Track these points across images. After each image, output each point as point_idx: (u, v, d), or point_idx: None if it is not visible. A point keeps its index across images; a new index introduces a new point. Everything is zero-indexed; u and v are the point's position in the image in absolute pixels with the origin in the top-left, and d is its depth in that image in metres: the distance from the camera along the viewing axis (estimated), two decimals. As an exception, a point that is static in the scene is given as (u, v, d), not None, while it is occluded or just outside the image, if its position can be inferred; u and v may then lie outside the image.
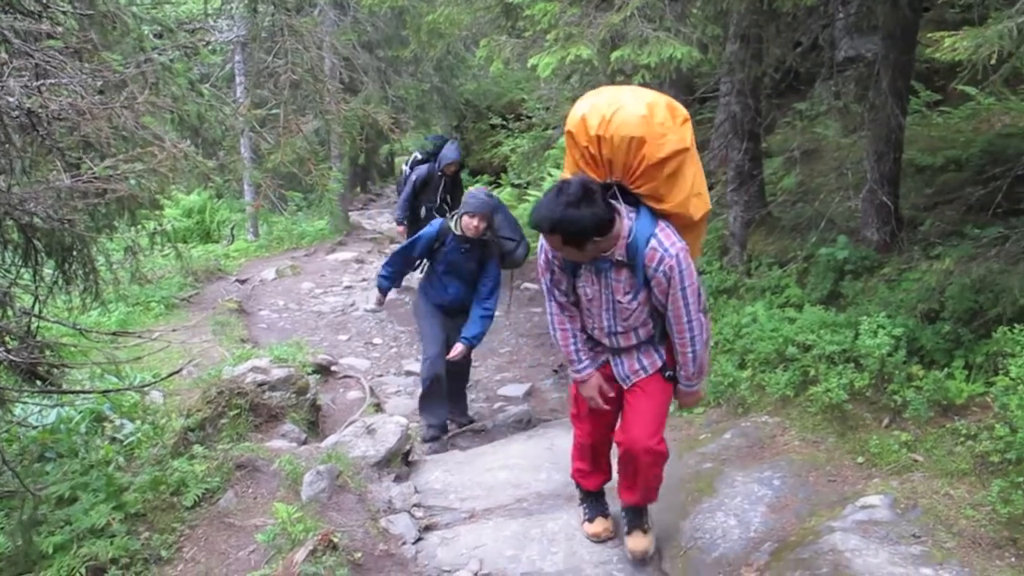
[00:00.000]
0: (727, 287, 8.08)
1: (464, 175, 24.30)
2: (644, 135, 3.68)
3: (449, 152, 10.58)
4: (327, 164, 14.37)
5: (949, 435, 5.03)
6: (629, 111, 3.71)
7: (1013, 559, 3.92)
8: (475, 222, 6.63)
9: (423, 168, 10.72)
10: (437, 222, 6.95)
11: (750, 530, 4.64)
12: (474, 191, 6.98)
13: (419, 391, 7.14)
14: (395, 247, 8.32)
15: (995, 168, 6.91)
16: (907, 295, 6.15)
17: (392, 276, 7.06)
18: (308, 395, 6.90)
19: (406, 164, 11.10)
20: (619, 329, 4.15)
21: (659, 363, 4.26)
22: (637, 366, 4.28)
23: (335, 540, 4.45)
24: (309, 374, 7.33)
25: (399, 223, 11.12)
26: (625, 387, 4.34)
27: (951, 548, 4.02)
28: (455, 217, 6.78)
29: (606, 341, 4.26)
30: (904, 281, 6.47)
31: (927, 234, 7.22)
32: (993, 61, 4.25)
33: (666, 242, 3.80)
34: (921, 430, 5.20)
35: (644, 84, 6.87)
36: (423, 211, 10.78)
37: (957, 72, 5.09)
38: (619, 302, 4.01)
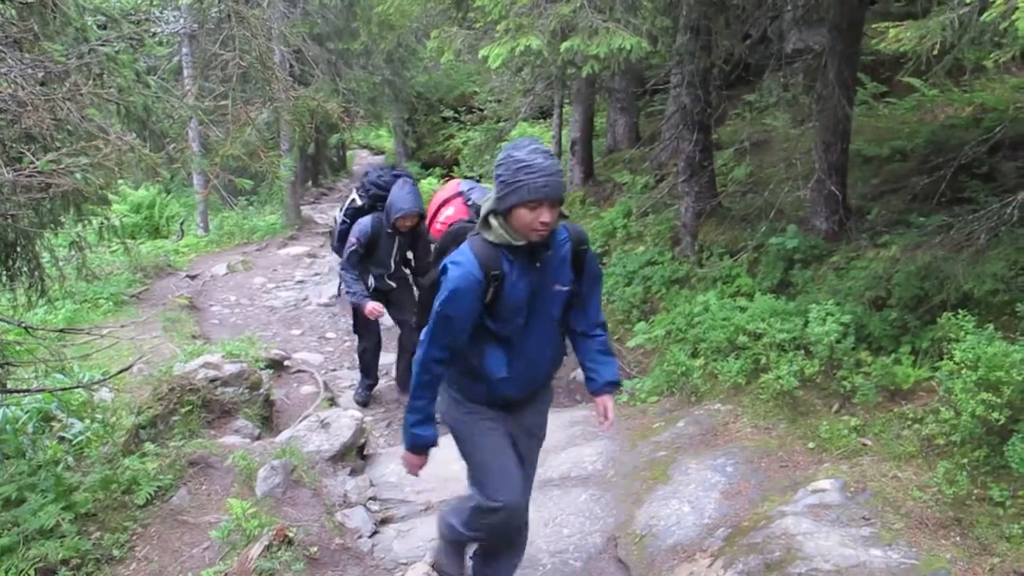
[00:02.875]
0: (679, 277, 8.15)
1: (416, 169, 24.36)
2: None
3: (402, 199, 6.93)
4: (276, 152, 14.23)
5: (897, 419, 5.12)
6: None
7: (958, 538, 4.01)
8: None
9: (366, 222, 7.14)
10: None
11: (704, 516, 4.69)
12: None
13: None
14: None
15: (939, 158, 7.05)
16: (855, 283, 6.26)
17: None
18: (261, 390, 6.84)
19: (340, 211, 7.57)
20: None
21: None
22: None
23: (290, 535, 4.44)
24: (262, 369, 7.26)
25: (360, 303, 7.17)
26: None
27: (899, 529, 4.09)
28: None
29: None
30: (852, 269, 6.58)
31: (874, 223, 7.35)
32: (935, 52, 4.33)
33: None
34: (870, 415, 5.29)
35: (593, 74, 6.91)
36: (371, 281, 7.40)
37: (902, 64, 5.19)
38: None
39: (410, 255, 7.59)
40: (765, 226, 7.60)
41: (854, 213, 7.63)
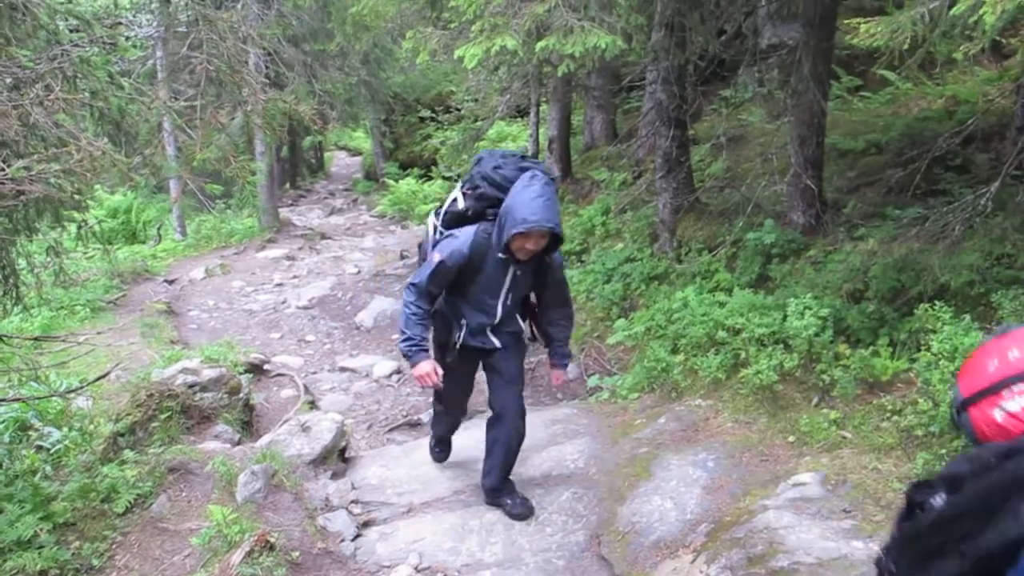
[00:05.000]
0: (658, 273, 8.17)
1: (394, 169, 24.30)
2: None
3: (525, 205, 4.25)
4: (247, 156, 14.15)
5: (876, 411, 5.16)
6: None
7: (938, 529, 4.03)
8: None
9: (465, 236, 4.58)
10: None
11: (686, 512, 4.71)
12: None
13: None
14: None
15: (913, 151, 7.10)
16: (833, 276, 6.29)
17: None
18: (241, 395, 6.79)
19: (433, 215, 4.94)
20: None
21: None
22: None
23: (272, 540, 4.41)
24: (241, 373, 7.21)
25: (410, 354, 4.63)
26: None
27: (880, 521, 4.12)
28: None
29: None
30: (829, 263, 6.62)
31: (850, 216, 7.39)
32: (907, 46, 4.36)
33: None
34: (849, 407, 5.33)
35: (569, 73, 6.91)
36: (460, 333, 4.79)
37: (876, 58, 5.22)
38: None
39: (533, 298, 4.92)
40: (742, 221, 7.63)
41: (830, 207, 7.67)
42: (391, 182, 22.17)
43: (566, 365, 5.09)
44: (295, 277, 13.63)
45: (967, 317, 4.79)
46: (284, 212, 20.63)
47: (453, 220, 4.66)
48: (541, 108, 14.10)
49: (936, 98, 9.85)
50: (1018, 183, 6.07)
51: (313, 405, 7.56)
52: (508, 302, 4.71)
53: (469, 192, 4.59)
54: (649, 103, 10.62)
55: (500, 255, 4.44)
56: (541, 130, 14.08)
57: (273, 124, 6.58)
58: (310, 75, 17.29)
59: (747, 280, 7.14)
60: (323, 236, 17.83)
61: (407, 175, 22.58)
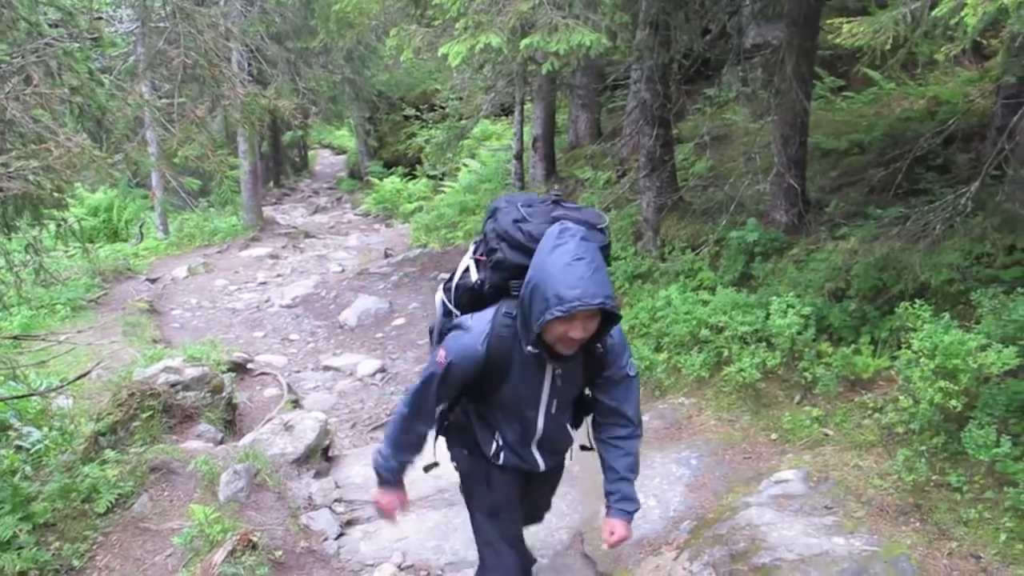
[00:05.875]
0: (641, 272, 8.18)
1: (378, 168, 24.23)
2: None
3: (563, 274, 2.68)
4: (225, 151, 14.08)
5: (857, 409, 5.19)
6: None
7: (918, 523, 4.07)
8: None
9: (476, 330, 3.04)
10: None
11: (670, 509, 4.72)
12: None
13: None
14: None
15: (895, 151, 7.15)
16: (815, 275, 6.32)
17: None
18: (223, 394, 6.77)
19: (442, 290, 3.48)
20: None
21: None
22: None
23: (255, 539, 4.40)
24: (224, 372, 7.18)
25: (377, 474, 3.49)
26: None
27: (861, 517, 4.14)
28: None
29: None
30: (812, 261, 6.65)
31: (833, 215, 7.43)
32: (889, 47, 4.38)
33: None
34: (831, 405, 5.35)
35: (554, 71, 6.91)
36: (496, 446, 3.34)
37: (858, 58, 5.25)
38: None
39: (588, 393, 3.31)
40: (726, 220, 7.66)
41: (813, 206, 7.70)
42: (375, 180, 22.14)
43: (630, 516, 3.29)
44: (279, 276, 13.58)
45: (947, 315, 4.81)
46: (268, 210, 20.56)
47: (467, 298, 3.21)
48: (526, 107, 14.11)
49: (918, 98, 9.91)
50: (997, 183, 6.11)
51: (296, 404, 7.54)
52: (554, 411, 3.16)
53: (483, 258, 3.14)
54: (633, 102, 10.65)
55: (531, 350, 2.87)
56: (525, 129, 14.08)
57: (252, 119, 6.51)
58: (294, 73, 17.22)
59: (730, 279, 7.16)
60: (307, 234, 17.78)
61: (391, 173, 22.55)
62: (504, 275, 3.03)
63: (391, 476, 3.41)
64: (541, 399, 3.11)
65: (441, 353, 3.04)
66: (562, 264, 2.66)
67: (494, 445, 3.29)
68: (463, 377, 3.03)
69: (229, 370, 7.51)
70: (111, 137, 4.71)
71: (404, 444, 3.31)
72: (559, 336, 2.78)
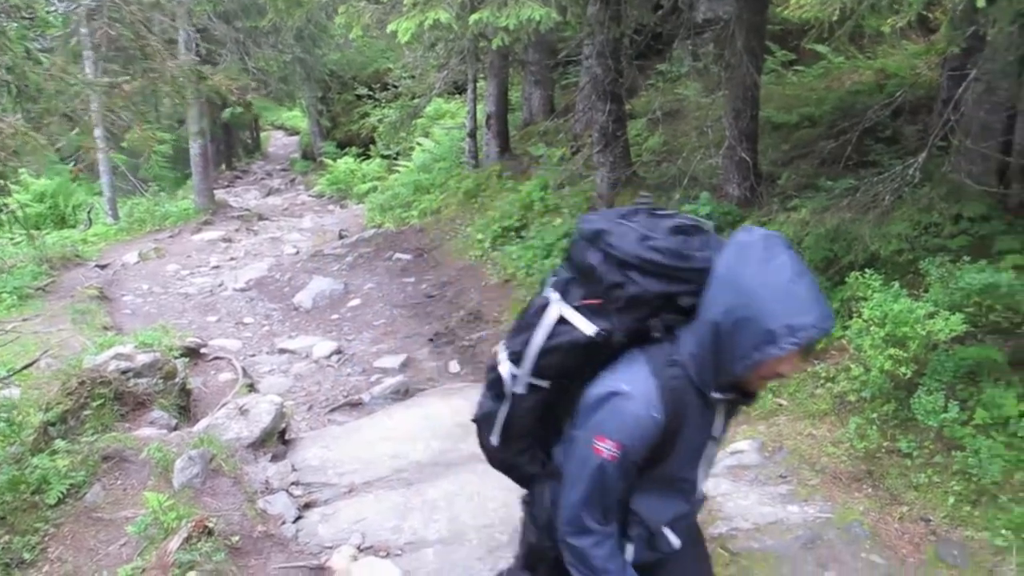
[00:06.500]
0: (597, 249, 8.18)
1: (331, 149, 24.00)
2: None
3: (789, 295, 1.96)
4: (154, 126, 13.85)
5: (811, 379, 5.25)
6: None
7: (870, 490, 4.14)
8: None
9: (644, 391, 2.15)
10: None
11: (627, 483, 4.74)
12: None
13: None
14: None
15: (845, 123, 7.21)
16: (768, 248, 6.35)
17: None
18: (176, 379, 6.68)
19: (504, 349, 2.42)
20: None
21: None
22: None
23: (210, 525, 4.36)
24: (177, 358, 7.09)
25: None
26: None
27: (815, 485, 4.20)
28: None
29: None
30: (764, 234, 6.68)
31: (784, 188, 7.48)
32: (836, 19, 4.41)
33: None
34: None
35: (505, 47, 6.87)
36: (631, 548, 2.37)
37: (808, 31, 5.27)
38: None
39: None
40: (679, 194, 7.68)
41: (765, 179, 7.76)
42: (329, 161, 21.95)
43: None
44: (232, 259, 13.43)
45: (896, 284, 4.88)
46: (220, 193, 20.27)
47: (573, 361, 2.26)
48: (479, 84, 14.04)
49: (867, 72, 10.02)
50: (944, 154, 6.19)
51: (252, 388, 7.46)
52: (708, 466, 2.47)
53: (598, 302, 2.21)
54: (586, 77, 10.62)
55: (716, 395, 2.17)
56: (479, 107, 14.01)
57: (183, 92, 6.33)
58: (243, 52, 16.99)
59: (685, 253, 7.17)
60: (260, 217, 17.58)
61: (345, 154, 22.36)
62: (642, 314, 2.17)
63: None
64: (703, 453, 2.34)
65: (601, 441, 2.14)
66: (783, 283, 1.96)
67: (630, 549, 2.36)
68: (640, 457, 2.17)
69: (182, 355, 7.42)
70: (49, 119, 4.59)
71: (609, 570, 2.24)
72: (768, 374, 2.09)
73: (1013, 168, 6.15)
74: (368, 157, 21.06)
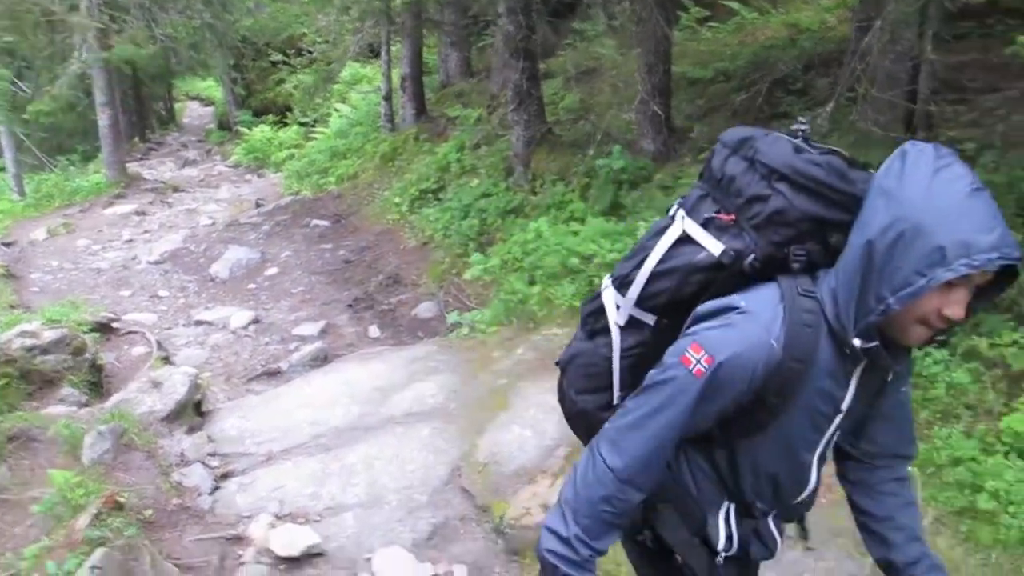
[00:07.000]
0: (514, 207, 8.18)
1: (247, 117, 23.47)
2: None
3: (964, 212, 1.51)
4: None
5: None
6: None
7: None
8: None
9: (768, 306, 1.68)
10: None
11: (545, 438, 4.76)
12: None
13: None
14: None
15: (757, 76, 7.27)
16: (681, 200, 6.40)
17: None
18: (86, 355, 6.50)
19: (611, 285, 1.99)
20: None
21: None
22: None
23: (121, 500, 4.26)
24: (87, 333, 6.89)
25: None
26: None
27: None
28: None
29: None
30: (679, 187, 6.74)
31: (698, 141, 7.54)
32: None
33: None
34: (699, 324, 5.46)
35: (417, 6, 6.76)
36: (725, 528, 1.91)
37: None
38: None
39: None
40: (594, 150, 7.69)
41: (679, 133, 7.80)
42: (245, 130, 21.47)
43: None
44: (146, 232, 13.08)
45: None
46: (134, 166, 19.66)
47: (687, 289, 1.82)
48: (394, 47, 13.83)
49: (780, 27, 10.13)
50: (852, 104, 6.28)
51: (167, 360, 7.29)
52: (829, 451, 1.94)
53: (730, 218, 1.79)
54: (499, 36, 10.54)
55: (860, 344, 1.64)
56: (395, 70, 13.81)
57: (27, 33, 6.00)
58: (149, 19, 16.43)
59: (600, 208, 7.21)
60: (175, 189, 17.13)
61: (262, 122, 21.88)
62: (787, 236, 1.71)
63: (584, 569, 1.78)
64: (828, 428, 1.81)
65: (695, 350, 1.65)
66: (958, 195, 1.52)
67: (722, 525, 1.90)
68: (735, 394, 1.66)
69: (92, 331, 7.21)
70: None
71: (607, 523, 1.75)
72: (925, 316, 1.59)
73: (918, 115, 6.28)
74: (285, 125, 20.64)
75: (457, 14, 13.37)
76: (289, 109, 21.12)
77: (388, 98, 13.63)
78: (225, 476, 5.08)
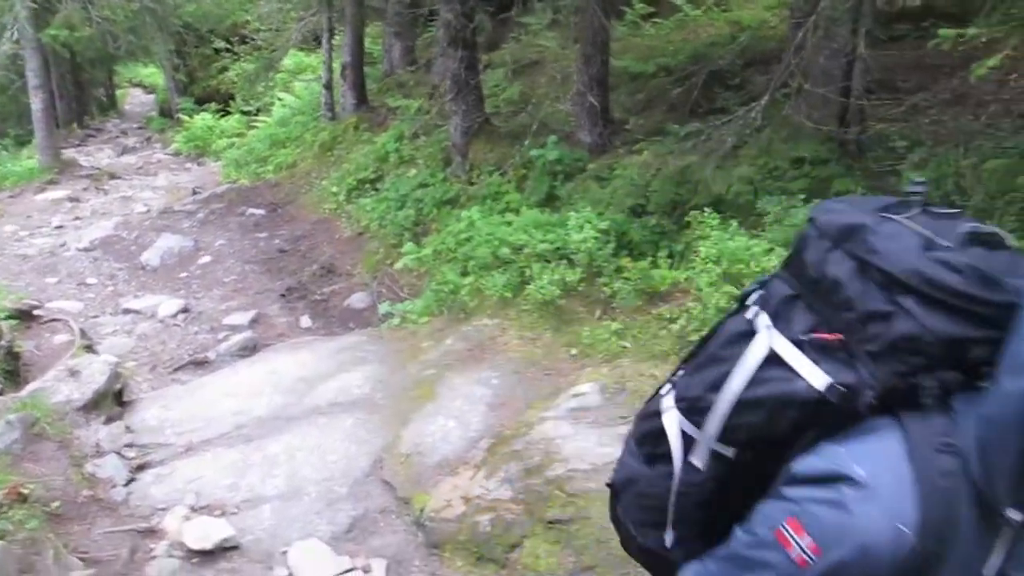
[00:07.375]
0: (450, 197, 8.09)
1: (189, 105, 23.03)
2: None
3: None
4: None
5: (655, 320, 5.28)
6: None
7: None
8: None
9: (899, 480, 1.13)
10: None
11: (469, 430, 4.69)
12: None
13: None
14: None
15: (695, 70, 7.27)
16: (616, 192, 6.38)
17: None
18: (2, 342, 6.27)
19: (678, 411, 1.41)
20: None
21: None
22: None
23: (25, 492, 4.10)
24: (4, 320, 6.66)
25: None
26: None
27: (654, 423, 4.22)
28: None
29: None
30: (614, 179, 6.70)
31: (634, 133, 7.51)
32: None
33: None
34: (630, 318, 5.43)
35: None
36: None
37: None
38: None
39: None
40: (530, 141, 7.62)
41: (617, 125, 7.77)
42: (186, 118, 21.06)
43: None
44: (77, 219, 12.73)
45: (734, 223, 4.94)
46: (70, 152, 19.16)
47: (779, 426, 1.28)
48: (337, 37, 13.64)
49: (722, 24, 10.17)
50: (786, 99, 6.29)
51: (91, 349, 7.06)
52: None
53: (835, 338, 1.25)
54: (440, 25, 10.43)
55: (1013, 514, 1.07)
56: (337, 59, 13.62)
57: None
58: (85, 1, 16.00)
59: (536, 200, 7.15)
60: (112, 176, 16.72)
61: (204, 110, 21.48)
62: (910, 366, 1.21)
63: None
64: None
65: (794, 529, 1.19)
66: None
67: None
68: None
69: (10, 317, 6.97)
70: None
71: None
72: None
73: (852, 110, 6.31)
74: (228, 113, 20.29)
75: (400, 3, 13.22)
76: (232, 97, 20.77)
77: (329, 87, 13.44)
78: (142, 467, 4.94)
